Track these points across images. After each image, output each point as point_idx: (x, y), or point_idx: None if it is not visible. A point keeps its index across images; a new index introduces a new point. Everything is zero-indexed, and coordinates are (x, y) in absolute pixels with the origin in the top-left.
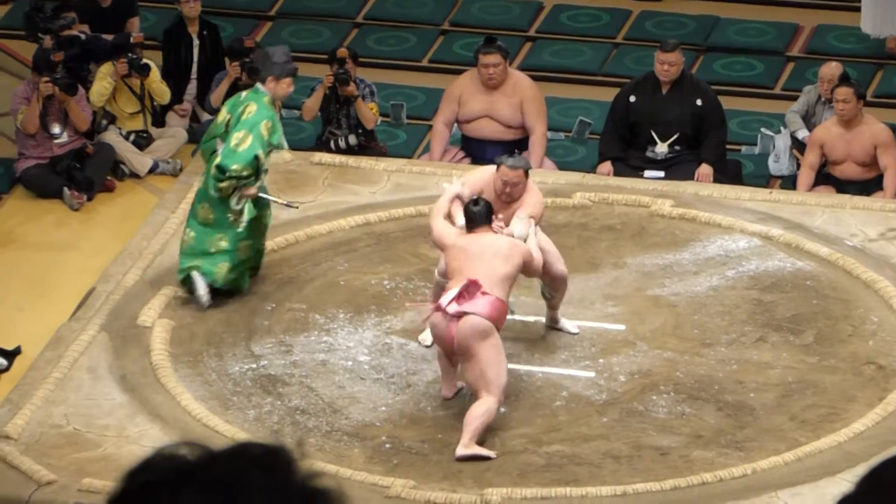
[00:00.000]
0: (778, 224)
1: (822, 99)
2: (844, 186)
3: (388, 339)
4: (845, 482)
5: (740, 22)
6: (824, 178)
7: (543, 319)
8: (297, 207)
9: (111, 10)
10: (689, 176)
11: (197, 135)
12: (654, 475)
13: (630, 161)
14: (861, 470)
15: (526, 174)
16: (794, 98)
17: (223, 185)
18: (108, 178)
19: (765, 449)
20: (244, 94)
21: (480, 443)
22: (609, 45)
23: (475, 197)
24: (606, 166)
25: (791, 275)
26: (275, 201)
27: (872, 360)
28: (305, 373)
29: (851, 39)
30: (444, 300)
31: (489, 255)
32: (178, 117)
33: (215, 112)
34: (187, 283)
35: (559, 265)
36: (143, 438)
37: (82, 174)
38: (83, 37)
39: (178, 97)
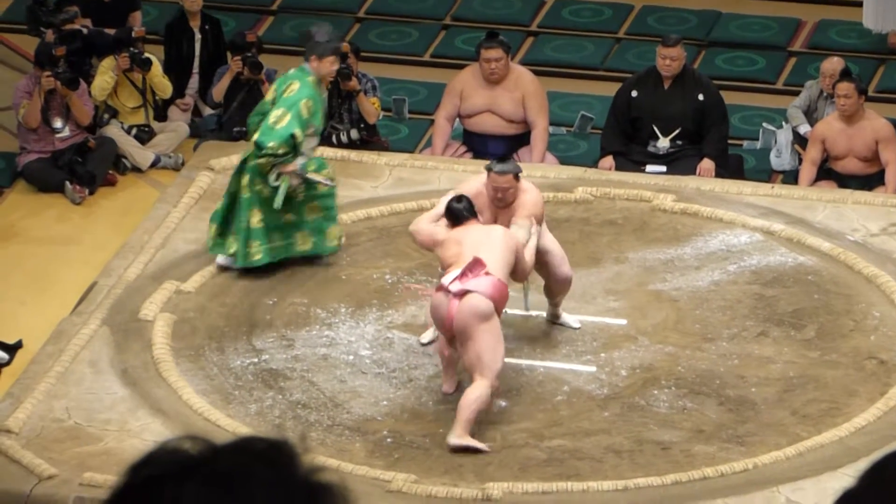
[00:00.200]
0: (779, 219)
1: (824, 94)
2: (846, 181)
3: (389, 334)
4: (846, 477)
5: (742, 17)
6: (826, 173)
7: (545, 314)
8: (335, 185)
9: (113, 5)
10: (690, 171)
11: (199, 129)
12: (656, 470)
13: (632, 156)
14: (862, 465)
15: (516, 177)
16: (796, 93)
17: (260, 161)
18: (110, 172)
19: (766, 443)
20: (292, 71)
21: (474, 434)
22: (611, 39)
23: (455, 196)
24: (608, 161)
25: (793, 269)
26: (313, 180)
27: (874, 355)
28: (307, 367)
29: (853, 34)
30: (446, 279)
31: (486, 241)
32: (179, 112)
33: (217, 106)
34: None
35: (564, 267)
36: (145, 432)
37: (84, 168)
38: (85, 31)
39: (179, 91)
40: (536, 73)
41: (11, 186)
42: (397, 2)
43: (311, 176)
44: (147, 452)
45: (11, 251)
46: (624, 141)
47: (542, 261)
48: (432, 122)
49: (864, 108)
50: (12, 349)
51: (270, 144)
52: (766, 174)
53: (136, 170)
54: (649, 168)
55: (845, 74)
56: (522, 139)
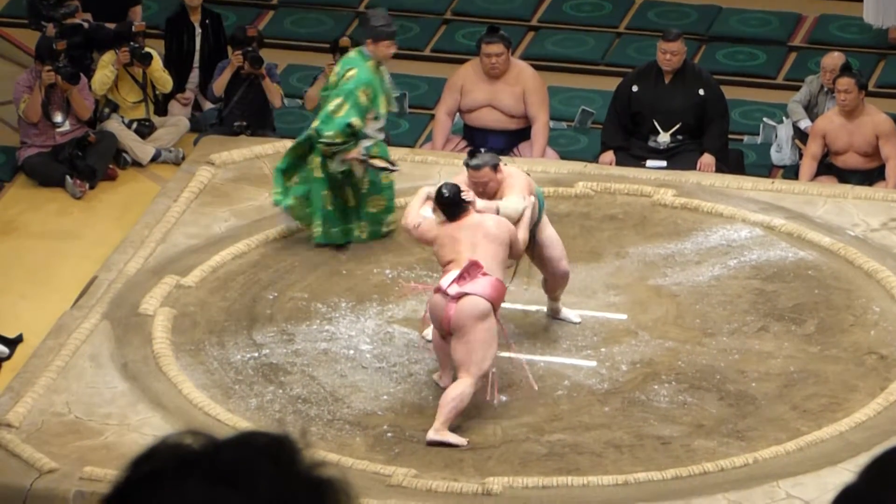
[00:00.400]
0: (780, 214)
1: (825, 89)
2: (846, 176)
3: (389, 329)
4: (847, 471)
5: (743, 11)
6: (826, 167)
7: (545, 309)
8: (398, 169)
9: None
10: (691, 165)
11: (199, 124)
12: (656, 464)
13: (632, 151)
14: (863, 459)
15: (494, 168)
16: (797, 88)
17: (322, 147)
18: (111, 166)
19: (766, 438)
20: (352, 53)
21: (467, 430)
22: (611, 34)
23: (440, 185)
24: (609, 156)
25: (793, 264)
26: (376, 166)
27: (874, 350)
28: (307, 361)
29: (854, 29)
30: (444, 282)
31: (479, 238)
32: (180, 106)
33: (217, 101)
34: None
35: (563, 263)
36: (145, 427)
37: (84, 162)
38: (86, 25)
39: (180, 86)
40: (537, 67)
41: (12, 181)
42: None
43: (374, 162)
44: (148, 447)
45: (12, 245)
46: (624, 136)
47: (541, 256)
48: (433, 116)
49: (865, 103)
50: (13, 343)
51: (328, 133)
52: (766, 169)
53: (137, 164)
54: (650, 163)
55: (846, 69)
56: (523, 134)
